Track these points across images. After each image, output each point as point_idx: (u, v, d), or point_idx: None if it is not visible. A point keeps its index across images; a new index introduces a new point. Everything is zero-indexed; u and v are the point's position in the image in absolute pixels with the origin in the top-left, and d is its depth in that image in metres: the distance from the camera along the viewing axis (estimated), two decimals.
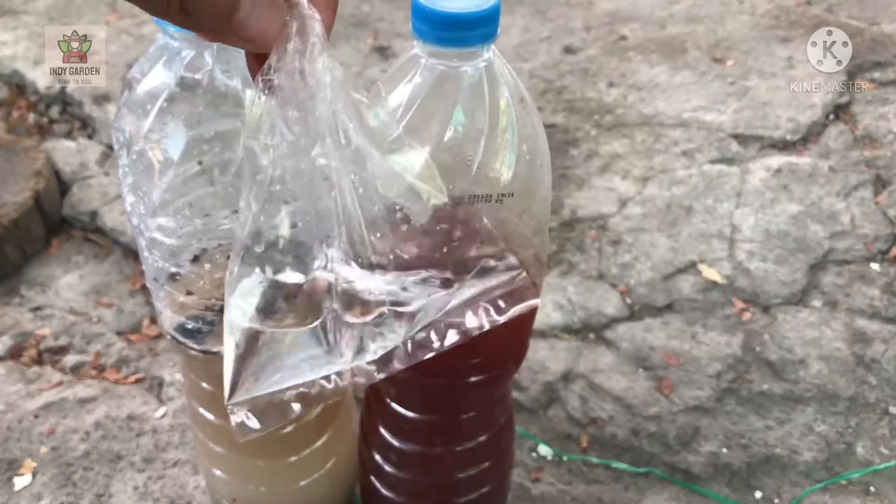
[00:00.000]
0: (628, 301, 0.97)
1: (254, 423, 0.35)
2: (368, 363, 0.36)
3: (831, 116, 1.26)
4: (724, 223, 1.07)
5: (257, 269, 0.35)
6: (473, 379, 0.51)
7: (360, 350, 0.36)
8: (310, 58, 0.31)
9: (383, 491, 0.62)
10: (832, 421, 0.83)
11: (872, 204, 1.10)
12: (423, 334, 0.38)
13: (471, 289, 0.39)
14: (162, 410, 0.82)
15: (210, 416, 0.58)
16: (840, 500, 0.76)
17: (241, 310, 0.35)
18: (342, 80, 0.32)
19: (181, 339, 0.50)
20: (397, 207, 0.35)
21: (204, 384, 0.55)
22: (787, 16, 1.52)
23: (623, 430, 0.82)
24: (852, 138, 1.22)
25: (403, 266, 0.37)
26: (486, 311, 0.39)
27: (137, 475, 0.76)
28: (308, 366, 0.36)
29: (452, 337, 0.38)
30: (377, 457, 0.60)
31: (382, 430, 0.58)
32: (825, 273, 1.00)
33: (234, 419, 0.35)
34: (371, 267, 0.35)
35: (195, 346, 0.50)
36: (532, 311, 0.52)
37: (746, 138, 1.22)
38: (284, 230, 0.34)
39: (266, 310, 0.35)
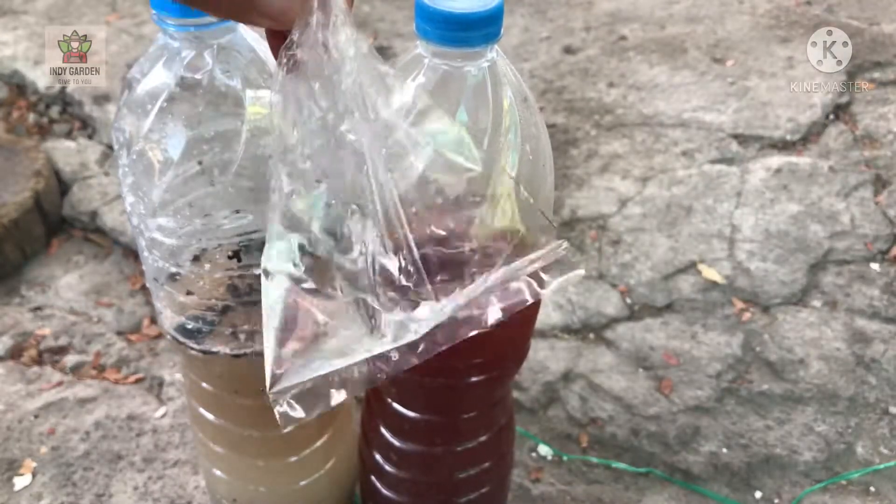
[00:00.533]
0: (628, 301, 0.97)
1: (298, 411, 0.33)
2: (410, 344, 0.35)
3: (831, 116, 1.26)
4: (724, 223, 1.07)
5: (293, 251, 0.34)
6: (475, 379, 0.51)
7: (401, 329, 0.35)
8: (333, 30, 0.30)
9: (383, 491, 0.62)
10: (832, 421, 0.83)
11: (872, 204, 1.10)
12: (465, 311, 0.36)
13: (512, 262, 0.37)
14: (162, 410, 0.82)
15: (210, 416, 0.58)
16: (840, 500, 0.76)
17: (278, 293, 0.34)
18: (367, 52, 0.31)
19: (181, 339, 0.50)
20: (431, 180, 0.34)
21: (204, 384, 0.55)
22: (787, 16, 1.52)
23: (623, 430, 0.82)
24: (852, 138, 1.22)
25: (441, 241, 0.36)
26: (529, 284, 0.37)
27: (137, 475, 0.76)
28: (350, 349, 0.34)
29: (496, 313, 0.36)
30: (377, 456, 0.60)
31: (383, 430, 0.58)
32: (825, 273, 1.00)
33: (278, 409, 0.33)
34: (409, 243, 0.34)
35: (195, 346, 0.50)
36: (534, 311, 0.52)
37: (746, 138, 1.22)
38: (319, 209, 0.33)
39: (303, 289, 0.34)
